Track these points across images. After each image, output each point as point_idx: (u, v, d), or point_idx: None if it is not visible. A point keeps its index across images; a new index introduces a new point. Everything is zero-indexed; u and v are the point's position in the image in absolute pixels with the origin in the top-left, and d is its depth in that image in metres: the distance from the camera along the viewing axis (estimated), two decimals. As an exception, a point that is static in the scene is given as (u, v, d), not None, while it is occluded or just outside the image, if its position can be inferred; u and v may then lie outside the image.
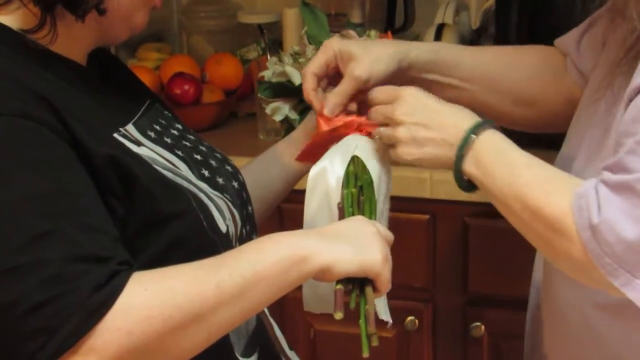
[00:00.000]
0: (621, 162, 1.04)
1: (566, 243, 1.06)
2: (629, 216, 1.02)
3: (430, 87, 1.33)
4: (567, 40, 1.40)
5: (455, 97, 1.37)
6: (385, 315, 1.19)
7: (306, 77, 1.30)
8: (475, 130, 1.17)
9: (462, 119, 1.20)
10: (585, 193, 1.05)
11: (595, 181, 1.06)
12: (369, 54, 1.30)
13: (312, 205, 1.24)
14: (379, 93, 1.27)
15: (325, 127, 1.29)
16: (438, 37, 2.07)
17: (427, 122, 1.20)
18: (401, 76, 1.34)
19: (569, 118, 1.33)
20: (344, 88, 1.29)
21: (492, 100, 1.40)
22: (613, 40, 1.24)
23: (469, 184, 1.20)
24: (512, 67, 1.41)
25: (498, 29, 1.99)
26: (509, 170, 1.14)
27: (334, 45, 1.31)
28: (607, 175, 1.05)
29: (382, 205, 1.26)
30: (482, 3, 2.16)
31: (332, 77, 1.32)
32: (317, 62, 1.31)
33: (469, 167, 1.17)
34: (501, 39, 1.96)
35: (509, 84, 1.40)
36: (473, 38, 2.14)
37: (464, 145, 1.17)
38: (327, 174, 1.24)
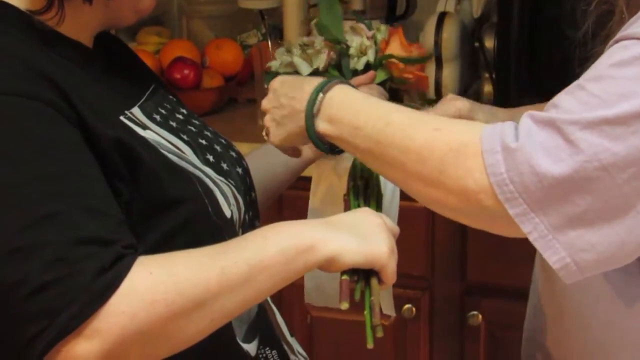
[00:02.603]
0: (554, 100, 1.01)
1: (461, 173, 1.01)
2: (548, 154, 0.97)
3: None
4: None
5: None
6: (389, 309, 1.19)
7: None
8: (322, 88, 1.14)
9: (310, 85, 1.17)
10: (499, 124, 1.01)
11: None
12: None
13: (317, 195, 1.24)
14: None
15: None
16: (440, 25, 2.06)
17: (282, 101, 1.20)
18: None
19: None
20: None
21: None
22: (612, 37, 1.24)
23: (331, 146, 1.17)
24: None
25: (500, 18, 1.99)
26: (376, 118, 1.09)
27: (460, 105, 1.32)
28: (535, 112, 1.01)
29: (392, 195, 1.25)
30: (484, -8, 2.16)
31: None
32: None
33: (324, 126, 1.14)
34: (503, 28, 1.96)
35: None
36: (474, 27, 2.14)
37: (312, 105, 1.14)
38: (333, 167, 1.24)
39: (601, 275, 1.12)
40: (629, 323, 1.17)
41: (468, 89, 2.16)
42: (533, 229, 1.00)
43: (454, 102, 1.37)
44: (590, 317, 1.21)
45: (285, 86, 1.21)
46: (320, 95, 1.14)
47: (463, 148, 1.01)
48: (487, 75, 2.07)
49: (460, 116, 1.34)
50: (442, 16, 2.08)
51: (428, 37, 2.06)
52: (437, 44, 2.05)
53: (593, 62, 1.23)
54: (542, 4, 1.91)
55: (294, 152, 1.29)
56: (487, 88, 2.08)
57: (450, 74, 2.08)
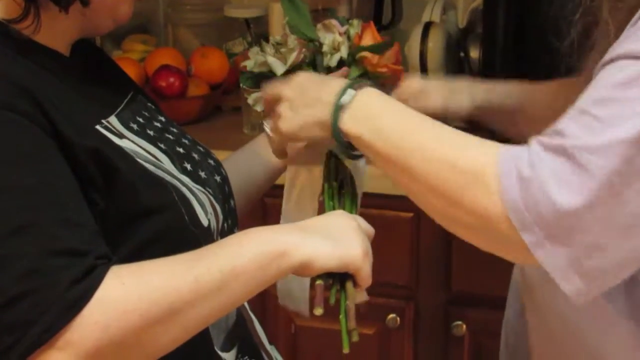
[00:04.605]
0: (559, 126, 1.01)
1: (479, 195, 1.01)
2: (561, 182, 0.97)
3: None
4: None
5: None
6: (364, 295, 1.18)
7: None
8: (353, 85, 1.14)
9: (339, 81, 1.17)
10: (515, 148, 1.01)
11: (527, 145, 1.02)
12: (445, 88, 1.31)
13: (291, 200, 1.23)
14: (271, 89, 1.26)
15: None
16: (425, 35, 2.06)
17: (304, 90, 1.19)
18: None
19: None
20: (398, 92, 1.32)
21: None
22: (597, 47, 1.24)
23: (348, 146, 1.16)
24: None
25: (485, 29, 1.99)
26: (402, 124, 1.09)
27: (414, 85, 1.34)
28: (542, 138, 1.01)
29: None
30: (470, 2, 2.16)
31: None
32: None
33: (348, 123, 1.13)
34: (488, 39, 1.96)
35: None
36: (460, 37, 2.14)
37: (340, 99, 1.13)
38: (307, 168, 1.23)
39: None
40: (611, 335, 1.17)
41: (453, 99, 2.16)
42: (548, 258, 1.00)
43: (408, 84, 1.36)
44: (573, 328, 1.21)
45: (311, 80, 1.20)
46: (350, 90, 1.13)
47: (483, 170, 1.01)
48: (472, 85, 2.07)
49: (416, 97, 1.33)
50: (428, 26, 2.08)
51: (413, 47, 2.06)
52: (423, 54, 2.05)
53: (579, 73, 1.23)
54: (527, 15, 1.91)
55: (282, 153, 1.28)
56: (473, 98, 2.07)
57: (435, 83, 2.08)
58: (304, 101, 1.18)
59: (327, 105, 1.14)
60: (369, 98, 1.14)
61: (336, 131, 1.14)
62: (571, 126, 0.99)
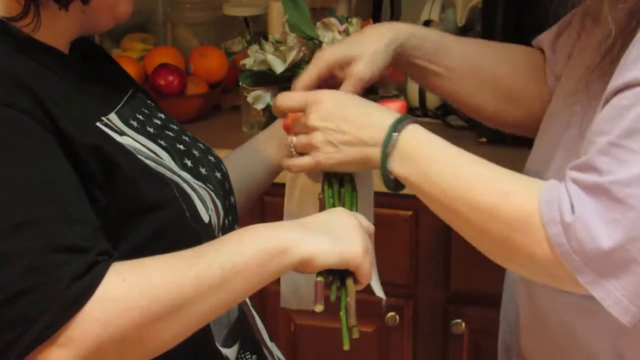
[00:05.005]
0: (591, 162, 1.03)
1: (528, 241, 1.04)
2: (603, 219, 1.00)
3: (418, 73, 1.32)
4: (543, 41, 1.39)
5: (439, 86, 1.36)
6: (379, 292, 1.19)
7: (296, 90, 1.27)
8: (396, 127, 1.14)
9: (379, 117, 1.17)
10: (554, 190, 1.04)
11: (563, 181, 1.04)
12: (365, 52, 1.28)
13: (292, 197, 1.23)
14: (288, 101, 1.24)
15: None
16: (424, 33, 2.07)
17: (343, 124, 1.18)
18: (397, 62, 1.33)
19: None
20: (349, 89, 1.27)
21: (475, 92, 1.38)
22: (588, 43, 1.24)
23: (396, 184, 1.17)
24: (498, 61, 1.40)
25: (484, 27, 1.99)
26: (445, 169, 1.11)
27: (327, 56, 1.29)
28: (577, 175, 1.03)
29: (367, 193, 1.25)
30: (469, 0, 2.16)
31: (325, 83, 1.30)
32: (309, 75, 1.28)
33: (396, 166, 1.14)
34: (487, 37, 1.96)
35: (493, 77, 1.39)
36: (459, 35, 2.13)
37: (387, 144, 1.14)
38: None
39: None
40: (607, 336, 1.18)
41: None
42: (606, 295, 1.02)
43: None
44: (571, 329, 1.21)
45: (342, 109, 1.19)
46: (395, 135, 1.14)
47: (527, 220, 1.04)
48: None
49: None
50: (427, 24, 2.09)
51: (412, 45, 2.06)
52: (421, 52, 2.05)
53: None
54: (526, 13, 1.91)
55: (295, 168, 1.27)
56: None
57: (434, 82, 2.07)
58: (343, 138, 1.17)
59: (373, 147, 1.15)
60: (413, 140, 1.14)
61: (385, 173, 1.16)
62: (604, 161, 1.02)
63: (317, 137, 1.19)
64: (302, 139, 1.21)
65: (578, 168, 1.04)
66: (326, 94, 1.21)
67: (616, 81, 1.05)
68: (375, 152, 1.15)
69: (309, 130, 1.20)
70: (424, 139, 1.14)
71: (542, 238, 1.03)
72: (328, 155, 1.19)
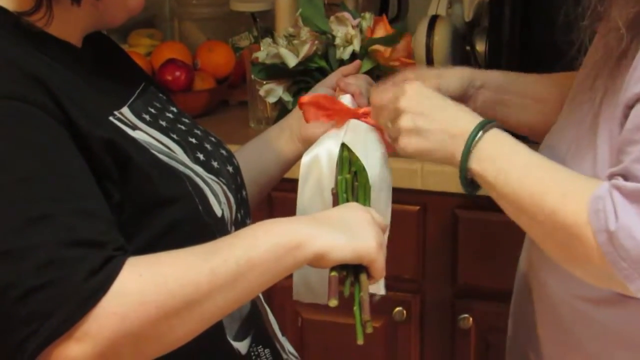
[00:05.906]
0: (630, 170, 1.05)
1: (583, 247, 1.07)
2: None
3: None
4: None
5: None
6: (380, 288, 1.19)
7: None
8: (483, 127, 1.17)
9: (466, 115, 1.20)
10: (600, 197, 1.06)
11: (608, 186, 1.06)
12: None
13: (305, 192, 1.24)
14: (383, 93, 1.27)
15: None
16: (431, 28, 2.07)
17: (431, 113, 1.20)
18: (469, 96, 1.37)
19: None
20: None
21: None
22: (598, 41, 1.24)
23: (471, 183, 1.19)
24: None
25: (491, 22, 1.99)
26: (516, 167, 1.14)
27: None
28: (620, 182, 1.06)
29: (387, 194, 1.26)
30: (476, -5, 2.16)
31: None
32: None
33: (476, 163, 1.17)
34: (494, 32, 1.96)
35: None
36: (466, 31, 2.14)
37: (472, 141, 1.16)
38: (321, 161, 1.23)
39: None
40: (622, 325, 1.18)
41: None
42: None
43: (403, 75, 1.36)
44: (583, 318, 1.21)
45: (434, 101, 1.22)
46: (481, 133, 1.16)
47: (579, 229, 1.07)
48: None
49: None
50: (434, 20, 2.09)
51: (419, 40, 2.06)
52: (429, 47, 2.05)
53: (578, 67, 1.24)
54: (533, 8, 1.91)
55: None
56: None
57: (441, 77, 2.08)
58: (432, 126, 1.20)
59: (456, 142, 1.17)
60: (495, 140, 1.17)
61: (464, 170, 1.18)
62: None
63: (404, 121, 1.21)
64: (391, 121, 1.23)
65: (619, 175, 1.06)
66: (412, 84, 1.24)
67: (636, 88, 1.06)
68: (459, 146, 1.17)
69: (396, 113, 1.22)
70: (506, 141, 1.17)
71: (593, 246, 1.06)
72: (412, 141, 1.21)
